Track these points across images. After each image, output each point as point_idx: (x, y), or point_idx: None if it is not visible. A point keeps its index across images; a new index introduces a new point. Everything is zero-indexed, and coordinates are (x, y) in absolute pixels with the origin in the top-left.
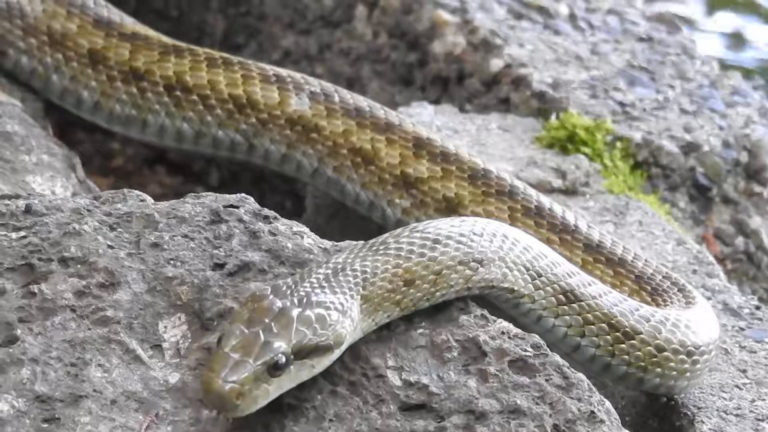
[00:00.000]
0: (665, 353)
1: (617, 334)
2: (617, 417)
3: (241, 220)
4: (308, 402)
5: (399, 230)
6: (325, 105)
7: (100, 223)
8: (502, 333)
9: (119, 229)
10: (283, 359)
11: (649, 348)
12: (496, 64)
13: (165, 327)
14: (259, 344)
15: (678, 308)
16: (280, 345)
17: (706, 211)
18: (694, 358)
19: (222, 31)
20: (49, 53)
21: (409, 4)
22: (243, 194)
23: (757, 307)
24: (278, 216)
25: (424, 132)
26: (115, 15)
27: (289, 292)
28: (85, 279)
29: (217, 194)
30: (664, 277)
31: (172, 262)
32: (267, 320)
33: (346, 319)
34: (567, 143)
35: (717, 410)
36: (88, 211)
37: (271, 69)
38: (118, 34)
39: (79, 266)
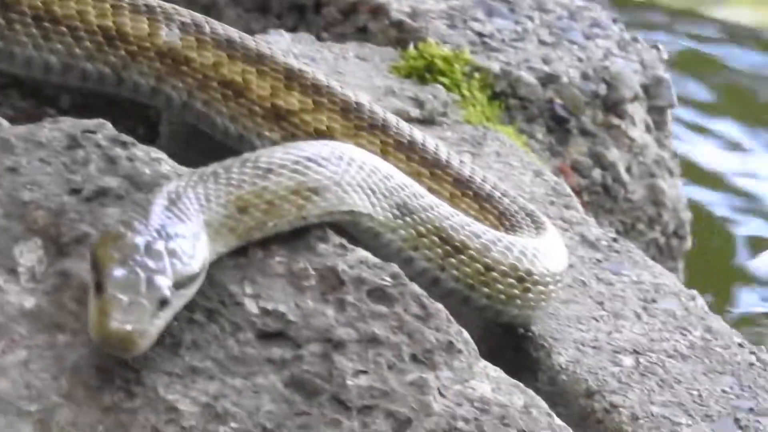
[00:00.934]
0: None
1: (448, 248)
2: (475, 347)
3: (98, 146)
4: (165, 329)
5: (230, 160)
6: (196, 36)
7: None
8: (361, 262)
9: None
10: (169, 293)
11: (507, 276)
12: None
13: (20, 251)
14: (143, 282)
15: (529, 238)
16: (164, 280)
17: (564, 143)
18: (540, 287)
19: None
20: None
21: None
22: (101, 120)
23: (615, 240)
24: (136, 142)
25: (295, 64)
26: None
27: (142, 226)
28: None
29: (75, 119)
30: (527, 214)
31: (28, 186)
32: (139, 257)
33: (202, 244)
34: (425, 73)
35: (574, 342)
36: None
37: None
38: None
39: None
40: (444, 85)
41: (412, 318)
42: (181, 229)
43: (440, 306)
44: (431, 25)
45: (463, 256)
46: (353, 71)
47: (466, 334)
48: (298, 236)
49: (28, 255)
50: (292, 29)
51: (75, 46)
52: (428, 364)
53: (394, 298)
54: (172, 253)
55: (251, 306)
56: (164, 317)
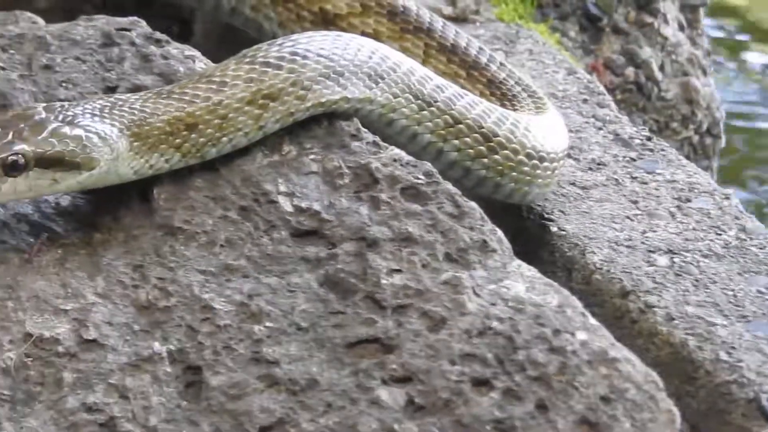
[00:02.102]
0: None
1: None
2: (509, 246)
3: (133, 43)
4: (199, 227)
5: (193, 75)
6: None
7: None
8: (394, 160)
9: (11, 51)
10: (21, 160)
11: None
12: None
13: None
14: (1, 142)
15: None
16: (22, 147)
17: (597, 41)
18: (545, 164)
19: None
20: None
21: None
22: (135, 17)
23: (648, 138)
24: (170, 40)
25: None
26: None
27: (60, 110)
28: None
29: (109, 17)
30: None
31: (64, 84)
32: (22, 125)
33: (104, 146)
34: None
35: (608, 241)
36: None
37: None
38: None
39: None
40: None
41: (445, 216)
42: (92, 124)
43: (474, 204)
44: None
45: (461, 126)
46: None
47: (500, 233)
48: (331, 134)
49: None
50: None
51: None
52: (462, 263)
53: (428, 196)
54: (55, 134)
55: (285, 204)
56: (13, 184)
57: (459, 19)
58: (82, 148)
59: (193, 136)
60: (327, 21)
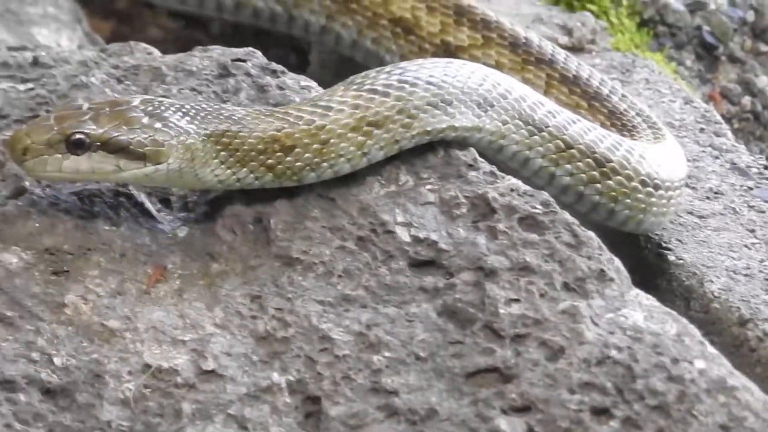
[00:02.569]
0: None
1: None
2: (627, 275)
3: (248, 74)
4: (317, 257)
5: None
6: None
7: (107, 76)
8: (512, 190)
9: (126, 82)
10: (84, 139)
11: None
12: None
13: None
14: (75, 120)
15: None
16: (91, 128)
17: (713, 70)
18: (660, 192)
19: None
20: None
21: None
22: (250, 48)
23: (766, 167)
24: (286, 70)
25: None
26: None
27: (153, 104)
28: None
29: (225, 48)
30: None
31: None
32: (107, 110)
33: (176, 143)
34: (573, 0)
35: (726, 270)
36: (96, 63)
37: None
38: None
39: None
40: (592, 12)
41: (563, 246)
42: (172, 120)
43: (591, 234)
44: None
45: (574, 150)
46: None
47: (618, 262)
48: (448, 164)
49: None
50: None
51: None
52: (580, 293)
53: (546, 225)
54: (129, 121)
55: (403, 234)
56: (75, 161)
57: (575, 49)
58: (150, 141)
59: (288, 158)
60: (449, 53)
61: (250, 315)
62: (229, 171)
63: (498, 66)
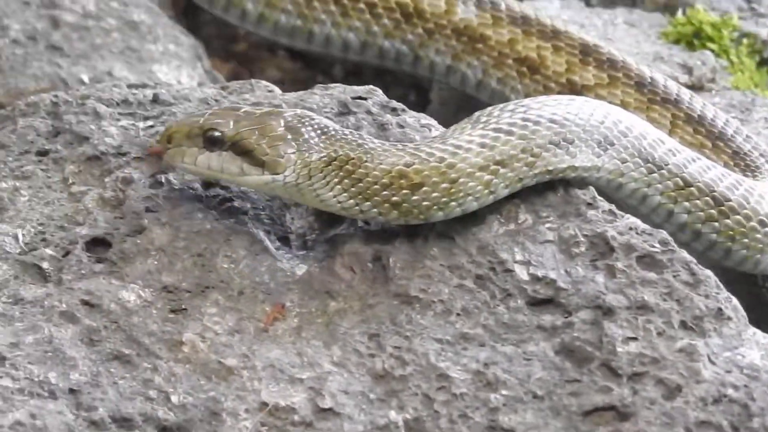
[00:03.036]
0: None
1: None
2: (744, 314)
3: (369, 112)
4: (435, 296)
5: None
6: (491, 13)
7: None
8: (630, 228)
9: None
10: (219, 137)
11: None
12: None
13: (292, 218)
14: (220, 118)
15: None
16: (228, 128)
17: None
18: None
19: None
20: None
21: None
22: (371, 86)
23: None
24: (406, 108)
25: (590, 39)
26: None
27: (300, 119)
28: None
29: (345, 86)
30: None
31: None
32: (256, 116)
33: (297, 159)
34: (693, 39)
35: None
36: (216, 101)
37: None
38: None
39: None
40: (712, 51)
41: (681, 284)
42: (304, 138)
43: (709, 272)
44: None
45: (692, 188)
46: (622, 37)
47: (735, 300)
48: (567, 202)
49: (299, 222)
50: None
51: (373, 24)
52: (698, 331)
53: (664, 264)
54: (262, 131)
55: (522, 273)
56: (207, 157)
57: (695, 87)
58: (272, 150)
59: (415, 197)
60: (574, 92)
61: (368, 353)
62: (352, 201)
63: (623, 105)
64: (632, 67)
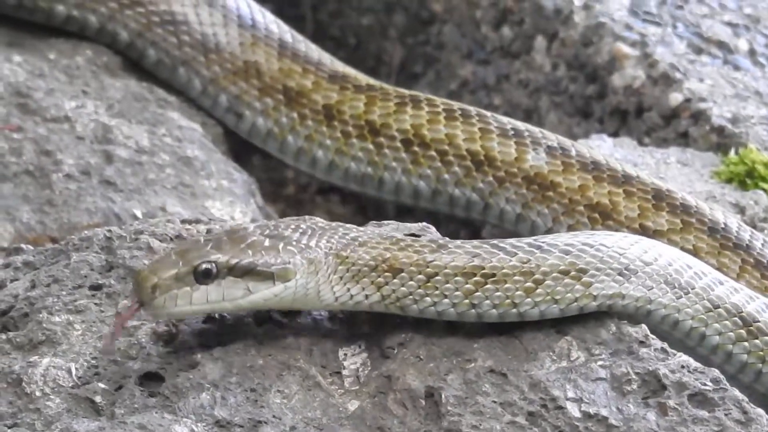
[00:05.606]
0: None
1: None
2: None
3: None
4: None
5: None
6: (562, 159)
7: None
8: (682, 367)
9: None
10: (213, 268)
11: None
12: (675, 98)
13: (345, 354)
14: (197, 251)
15: None
16: (217, 256)
17: None
18: None
19: (400, 59)
20: (285, 112)
21: (589, 37)
22: (425, 223)
23: None
24: None
25: (662, 184)
26: (349, 69)
27: (269, 227)
28: None
29: (398, 222)
30: None
31: None
32: (225, 238)
33: (302, 259)
34: (746, 178)
35: None
36: None
37: (508, 122)
38: (352, 86)
39: None
40: (765, 190)
41: (732, 423)
42: (294, 238)
43: (761, 411)
44: (752, 131)
45: (720, 310)
46: (675, 176)
47: None
48: (619, 340)
49: (352, 358)
50: (614, 134)
51: (444, 172)
52: None
53: (716, 402)
54: (252, 245)
55: (573, 410)
56: (205, 291)
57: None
58: (277, 260)
59: (395, 281)
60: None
61: None
62: (345, 287)
63: (695, 250)
64: (706, 213)
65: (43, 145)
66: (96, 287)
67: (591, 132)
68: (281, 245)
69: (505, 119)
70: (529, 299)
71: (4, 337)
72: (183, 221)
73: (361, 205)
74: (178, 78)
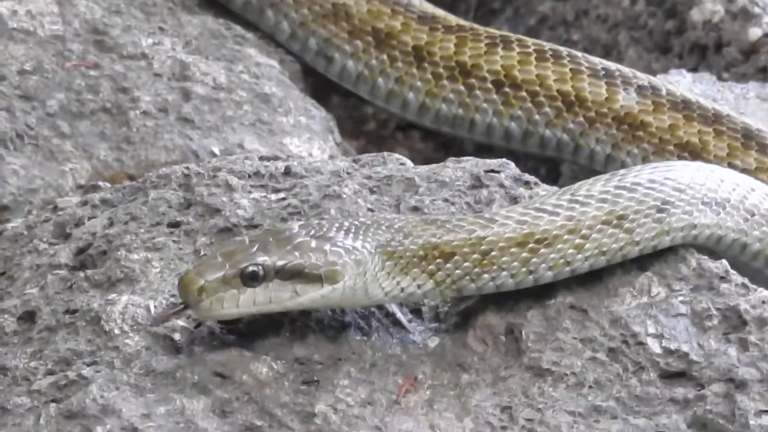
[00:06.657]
0: None
1: None
2: None
3: (501, 185)
4: (568, 368)
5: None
6: (652, 99)
7: (360, 186)
8: (763, 302)
9: (379, 193)
10: (260, 271)
11: None
12: (754, 32)
13: None
14: (244, 253)
15: None
16: (264, 258)
17: None
18: None
19: None
20: (374, 54)
21: None
22: (504, 159)
23: None
24: (539, 182)
25: (753, 123)
26: (438, 10)
27: (313, 227)
28: None
29: (478, 159)
30: None
31: None
32: (271, 239)
33: (349, 259)
34: None
35: None
36: (348, 173)
37: (599, 62)
38: (442, 27)
39: None
40: None
41: None
42: (339, 238)
43: None
44: None
45: None
46: (754, 111)
47: None
48: (700, 275)
49: None
50: (693, 69)
51: (535, 113)
52: None
53: None
54: (299, 246)
55: (654, 346)
56: (252, 294)
57: None
58: (325, 261)
59: (448, 265)
60: None
61: (500, 425)
62: (394, 281)
63: None
64: None
65: (120, 82)
66: (174, 224)
67: (670, 67)
68: (328, 246)
69: (596, 59)
70: (579, 255)
71: (82, 275)
72: (261, 158)
73: (442, 142)
74: (266, 20)
